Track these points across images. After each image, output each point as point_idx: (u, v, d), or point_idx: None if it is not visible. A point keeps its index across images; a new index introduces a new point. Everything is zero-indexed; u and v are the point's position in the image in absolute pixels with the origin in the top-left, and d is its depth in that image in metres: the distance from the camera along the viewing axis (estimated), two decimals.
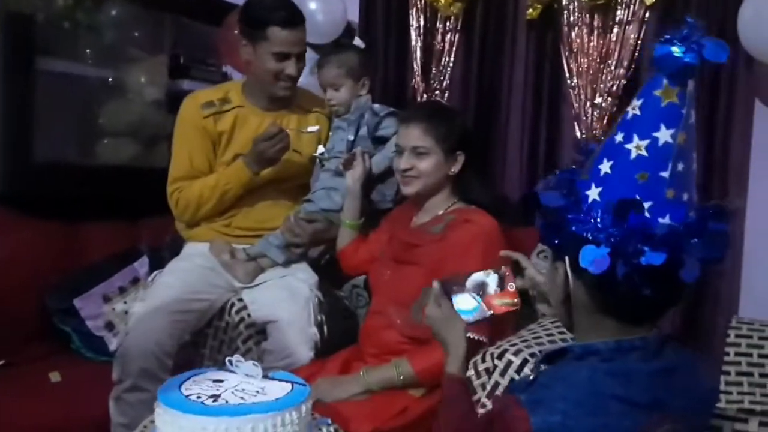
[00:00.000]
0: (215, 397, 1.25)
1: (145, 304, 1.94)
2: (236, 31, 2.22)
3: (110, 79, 2.57)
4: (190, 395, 1.26)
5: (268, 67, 1.98)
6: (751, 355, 1.97)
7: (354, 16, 2.77)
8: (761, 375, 1.95)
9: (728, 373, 1.99)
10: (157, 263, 2.25)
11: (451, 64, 2.57)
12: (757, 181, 2.15)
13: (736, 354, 2.00)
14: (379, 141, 2.04)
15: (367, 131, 2.03)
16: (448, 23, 2.56)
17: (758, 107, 2.14)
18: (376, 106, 2.05)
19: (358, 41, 2.12)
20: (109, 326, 2.23)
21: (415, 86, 2.62)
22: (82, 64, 2.47)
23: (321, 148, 2.04)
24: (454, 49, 2.56)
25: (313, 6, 2.58)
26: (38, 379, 1.97)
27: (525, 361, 1.56)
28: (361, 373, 1.66)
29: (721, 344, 2.05)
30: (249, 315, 2.01)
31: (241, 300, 2.04)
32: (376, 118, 2.03)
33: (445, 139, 1.74)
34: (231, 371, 1.38)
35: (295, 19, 1.97)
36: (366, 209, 2.01)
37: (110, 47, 2.54)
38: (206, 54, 2.86)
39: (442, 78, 2.58)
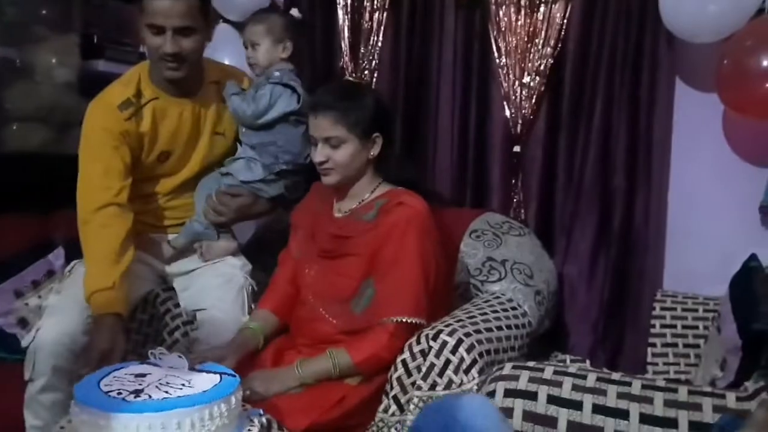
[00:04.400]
0: (137, 393, 1.18)
1: (58, 297, 1.82)
2: None
3: (16, 61, 2.42)
4: (110, 392, 1.19)
5: (147, 43, 1.80)
6: (675, 326, 2.05)
7: None
8: (685, 345, 2.03)
9: (654, 345, 2.07)
10: (75, 255, 2.11)
11: (379, 44, 2.52)
12: (679, 157, 2.20)
13: (662, 326, 2.07)
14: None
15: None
16: (375, 1, 2.51)
17: (679, 85, 2.19)
18: (277, 73, 1.95)
19: (294, 11, 2.03)
20: (23, 323, 2.10)
21: (344, 66, 2.56)
22: None
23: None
24: (382, 28, 2.51)
25: None
26: None
27: (460, 341, 1.56)
28: (296, 366, 1.60)
29: (647, 317, 2.11)
30: (175, 306, 1.93)
31: (166, 290, 1.96)
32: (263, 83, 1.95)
33: (358, 124, 1.64)
34: (155, 365, 1.31)
35: None
36: None
37: (15, 26, 2.39)
38: (122, 33, 2.73)
39: (371, 57, 2.53)
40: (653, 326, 2.08)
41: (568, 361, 2.16)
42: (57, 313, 1.75)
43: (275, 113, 1.92)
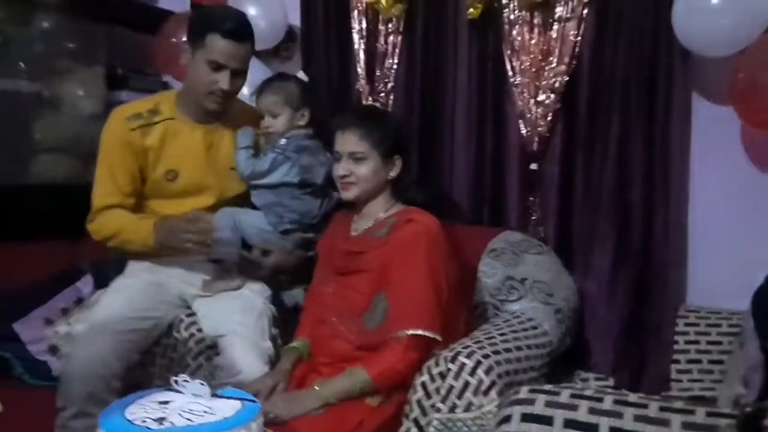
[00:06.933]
0: (161, 420, 1.20)
1: (88, 325, 1.87)
2: (174, 40, 2.16)
3: (44, 93, 2.50)
4: (135, 419, 1.21)
5: (202, 75, 1.89)
6: (699, 342, 2.03)
7: (295, 20, 2.74)
8: (709, 361, 2.00)
9: (678, 362, 2.04)
10: (102, 282, 2.18)
11: (394, 66, 2.55)
12: (698, 171, 2.18)
13: (686, 342, 2.05)
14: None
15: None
16: (390, 25, 2.54)
17: (696, 99, 2.17)
18: (283, 141, 1.98)
19: (301, 74, 2.08)
20: (53, 350, 2.15)
21: (360, 89, 2.60)
22: (13, 79, 2.39)
23: None
24: (397, 50, 2.54)
25: (253, 11, 2.54)
26: None
27: (478, 363, 1.56)
28: (316, 386, 1.62)
29: (670, 333, 2.09)
30: (199, 330, 1.96)
31: (190, 316, 1.99)
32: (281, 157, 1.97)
33: (381, 143, 1.74)
34: (178, 391, 1.34)
35: (239, 33, 1.87)
36: None
37: (42, 60, 2.48)
38: (145, 64, 2.80)
39: (386, 80, 2.56)
40: (677, 342, 2.06)
41: (591, 380, 2.15)
42: (87, 341, 1.79)
43: (271, 180, 1.97)
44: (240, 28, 1.88)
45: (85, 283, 2.30)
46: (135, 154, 1.94)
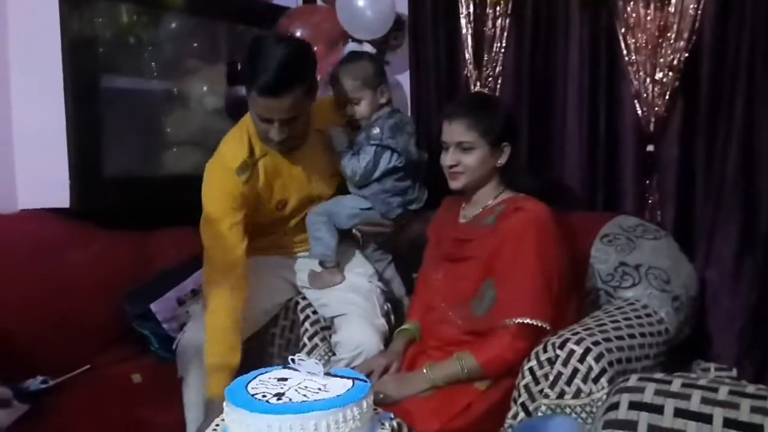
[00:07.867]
0: (279, 396, 1.28)
1: (201, 305, 2.01)
2: (289, 34, 2.21)
3: (172, 91, 2.66)
4: (256, 394, 1.30)
5: (256, 122, 1.86)
6: None
7: (403, 9, 2.77)
8: None
9: None
10: None
11: (502, 50, 2.53)
12: None
13: None
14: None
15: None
16: (498, 8, 2.52)
17: None
18: (376, 131, 1.96)
19: (368, 47, 2.03)
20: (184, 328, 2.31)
21: (468, 75, 2.59)
22: (146, 79, 2.56)
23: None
24: (505, 34, 2.52)
25: (361, 3, 2.59)
26: (121, 381, 2.06)
27: (587, 350, 1.54)
28: (425, 369, 1.67)
29: None
30: (314, 312, 2.06)
31: (304, 298, 2.10)
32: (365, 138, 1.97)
33: (489, 132, 1.73)
34: (294, 369, 1.42)
35: (277, 89, 1.74)
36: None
37: (171, 60, 2.63)
38: None
39: (494, 64, 2.55)
40: None
41: (712, 370, 2.05)
42: (199, 319, 1.93)
43: (379, 172, 1.97)
44: (274, 84, 1.73)
45: None
46: (250, 201, 1.94)
